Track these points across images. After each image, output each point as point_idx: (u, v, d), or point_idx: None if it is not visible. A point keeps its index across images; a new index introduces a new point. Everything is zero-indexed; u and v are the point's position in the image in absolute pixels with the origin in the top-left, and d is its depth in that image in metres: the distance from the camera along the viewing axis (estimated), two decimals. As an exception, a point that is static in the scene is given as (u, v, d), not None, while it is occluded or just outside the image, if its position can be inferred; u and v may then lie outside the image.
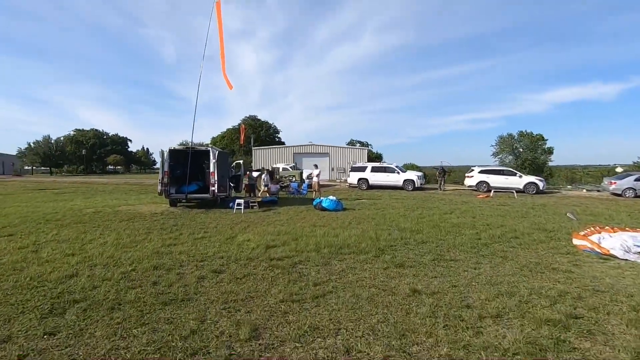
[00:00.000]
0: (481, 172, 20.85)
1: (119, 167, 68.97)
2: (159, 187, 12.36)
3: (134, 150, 74.40)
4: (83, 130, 64.20)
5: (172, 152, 12.78)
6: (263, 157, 37.12)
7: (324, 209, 11.79)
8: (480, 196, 17.82)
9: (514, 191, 17.84)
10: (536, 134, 43.38)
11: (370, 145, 65.03)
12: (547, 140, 43.05)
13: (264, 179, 17.34)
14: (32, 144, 54.81)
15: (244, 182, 16.35)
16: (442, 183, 21.64)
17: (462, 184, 23.56)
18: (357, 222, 9.44)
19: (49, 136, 56.58)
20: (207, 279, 4.81)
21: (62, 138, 59.31)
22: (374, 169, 22.49)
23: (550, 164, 42.81)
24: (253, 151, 38.40)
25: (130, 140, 71.85)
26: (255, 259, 5.77)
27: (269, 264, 5.46)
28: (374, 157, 55.28)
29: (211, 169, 12.43)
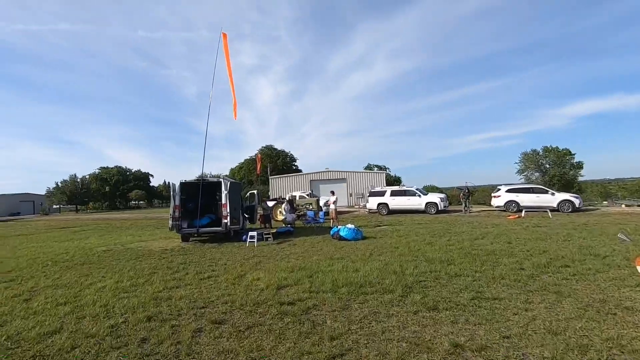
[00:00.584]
0: (509, 190, 19.57)
1: (141, 202, 70.43)
2: (170, 222, 11.93)
3: (156, 185, 76.00)
4: (107, 167, 66.42)
5: (183, 185, 12.44)
6: (280, 186, 36.82)
7: (342, 239, 10.97)
8: (511, 217, 16.55)
9: (548, 210, 16.48)
10: (562, 149, 41.47)
11: (388, 168, 64.13)
12: (574, 154, 41.03)
13: (283, 209, 16.77)
14: (59, 184, 56.85)
15: (258, 212, 15.81)
16: (468, 204, 20.42)
17: (488, 204, 22.22)
18: (378, 253, 8.57)
19: (75, 175, 58.70)
20: (204, 332, 4.09)
21: (87, 176, 61.41)
22: (393, 193, 21.58)
23: (580, 179, 40.56)
24: (270, 180, 38.25)
25: (152, 176, 73.56)
26: (263, 304, 5.02)
27: (278, 310, 4.69)
28: (393, 180, 54.20)
29: (223, 201, 11.96)
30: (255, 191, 15.93)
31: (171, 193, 12.08)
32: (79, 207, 59.27)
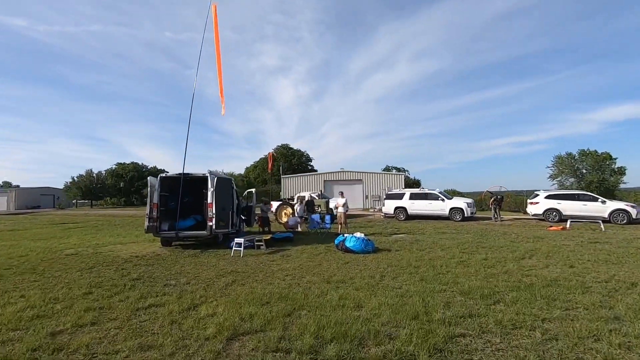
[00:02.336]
0: (550, 197, 16.88)
1: (156, 198, 70.30)
2: (146, 223, 10.13)
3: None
4: (124, 163, 66.53)
5: (165, 180, 10.64)
6: (292, 186, 34.96)
7: (347, 251, 8.85)
8: (553, 228, 13.95)
9: (601, 221, 13.78)
10: (602, 153, 37.70)
11: (407, 171, 61.34)
12: (616, 159, 37.18)
13: (297, 210, 14.83)
14: (75, 178, 57.09)
15: (257, 214, 13.88)
16: (498, 212, 17.83)
17: (522, 211, 19.55)
18: (392, 276, 6.41)
19: (91, 170, 58.81)
20: None
21: (103, 172, 61.52)
22: (413, 196, 19.24)
23: (622, 186, 36.69)
24: (282, 179, 36.47)
25: (167, 172, 73.34)
26: (193, 372, 3.00)
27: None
28: (412, 183, 51.38)
29: (208, 200, 10.06)
30: (253, 190, 14.01)
31: (149, 189, 10.28)
32: (94, 202, 59.38)
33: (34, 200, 60.17)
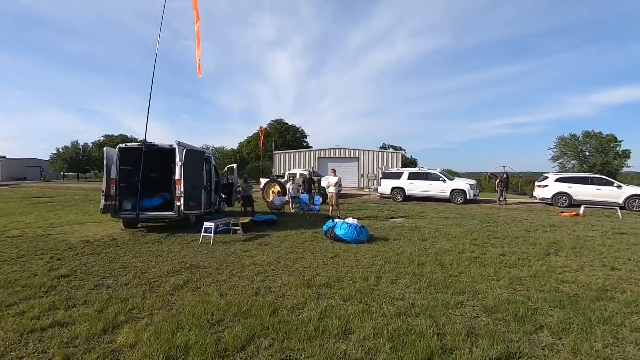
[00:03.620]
0: (559, 180, 15.55)
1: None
2: (102, 202, 8.62)
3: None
4: (112, 135, 64.14)
5: (125, 152, 9.05)
6: (285, 162, 33.38)
7: (337, 239, 7.48)
8: (564, 214, 12.70)
9: (618, 208, 12.53)
10: (606, 135, 36.38)
11: (404, 150, 59.81)
12: (621, 141, 35.93)
13: (290, 189, 13.37)
14: (60, 150, 54.88)
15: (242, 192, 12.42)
16: (504, 194, 16.53)
17: (529, 195, 18.33)
18: (391, 277, 5.04)
19: (76, 141, 56.48)
20: None
21: (90, 143, 59.20)
22: (412, 176, 17.83)
23: (625, 169, 35.65)
24: (274, 155, 34.84)
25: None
26: None
27: None
28: (408, 162, 50.01)
29: (176, 176, 8.55)
30: (234, 165, 12.48)
31: (105, 162, 8.71)
32: (81, 175, 57.48)
33: (20, 171, 58.03)
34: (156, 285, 4.69)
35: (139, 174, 9.07)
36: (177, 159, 8.55)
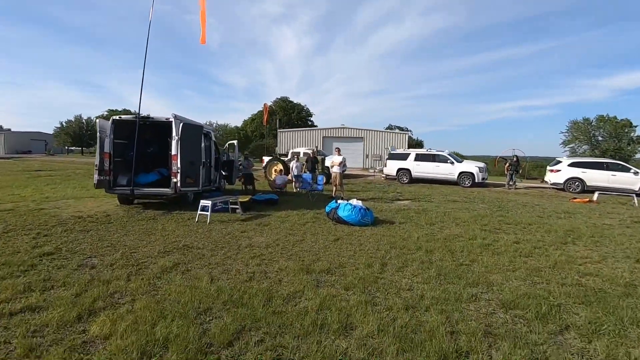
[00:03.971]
0: (573, 164, 14.93)
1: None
2: (95, 177, 8.27)
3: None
4: (116, 110, 63.54)
5: (120, 125, 8.61)
6: (290, 141, 32.83)
7: (339, 221, 7.10)
8: (577, 200, 12.21)
9: (634, 195, 11.99)
10: (621, 120, 35.13)
11: (410, 131, 58.77)
12: (635, 127, 34.71)
13: (293, 168, 12.97)
14: (64, 124, 54.58)
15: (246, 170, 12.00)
16: (514, 178, 15.99)
17: (540, 179, 17.77)
18: (398, 264, 4.66)
19: (80, 115, 56.05)
20: None
21: (93, 118, 58.77)
22: (419, 157, 17.29)
23: (638, 156, 34.59)
24: (278, 133, 34.23)
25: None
26: None
27: None
28: (414, 144, 49.20)
29: (173, 151, 8.13)
30: (235, 142, 12.01)
31: (98, 135, 8.29)
32: (84, 149, 57.38)
33: (25, 145, 58.00)
34: (144, 266, 4.36)
35: (137, 148, 8.67)
36: (174, 133, 8.11)
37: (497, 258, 4.99)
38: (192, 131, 8.54)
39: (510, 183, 15.80)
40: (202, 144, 9.27)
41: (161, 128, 9.13)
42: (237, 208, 8.10)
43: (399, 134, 34.06)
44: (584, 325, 3.03)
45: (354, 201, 7.48)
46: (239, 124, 64.46)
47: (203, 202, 7.32)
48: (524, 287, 3.92)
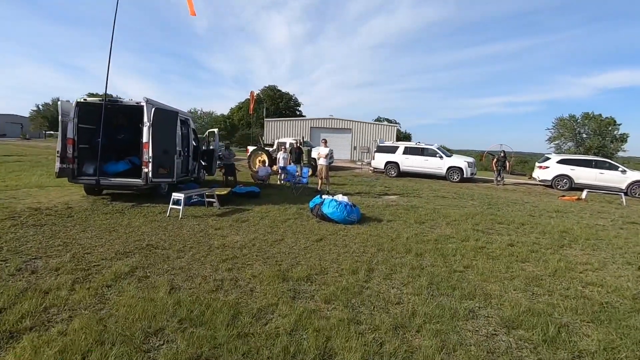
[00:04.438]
0: (562, 161, 14.79)
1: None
2: (57, 165, 7.53)
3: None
4: (96, 94, 61.16)
5: (85, 108, 7.85)
6: (277, 130, 32.03)
7: (324, 218, 6.61)
8: (565, 198, 12.05)
9: (622, 194, 11.88)
10: (606, 117, 35.59)
11: (399, 123, 58.47)
12: (619, 125, 35.24)
13: (280, 159, 12.39)
14: (40, 107, 52.21)
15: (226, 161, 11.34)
16: (502, 174, 15.79)
17: (527, 176, 17.68)
18: (385, 270, 4.20)
19: (58, 99, 53.58)
20: None
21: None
22: (407, 151, 16.90)
23: (621, 154, 35.18)
24: (265, 123, 33.38)
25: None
26: None
27: None
28: (402, 137, 48.99)
29: (144, 138, 7.44)
30: (215, 130, 11.32)
31: (60, 118, 7.54)
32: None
33: (-1, 128, 55.35)
34: (95, 271, 3.77)
35: (104, 134, 7.96)
36: (145, 119, 7.41)
37: (492, 263, 4.59)
38: (166, 117, 7.85)
39: (499, 179, 15.62)
40: (179, 132, 8.61)
41: (134, 113, 8.39)
42: (214, 201, 7.51)
43: (387, 127, 33.66)
44: (598, 352, 2.63)
45: (339, 197, 6.98)
46: (226, 112, 63.01)
47: (175, 195, 6.71)
48: (525, 300, 3.52)
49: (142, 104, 7.50)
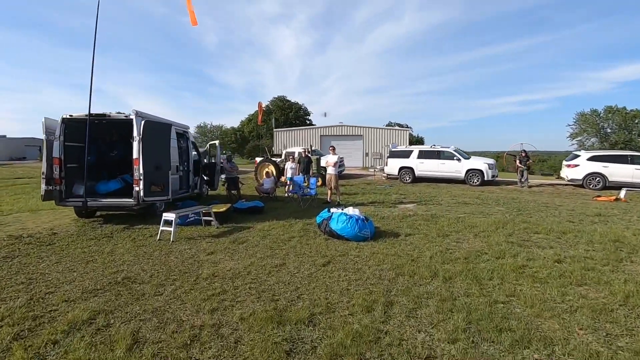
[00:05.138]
0: (593, 158, 13.58)
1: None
2: (42, 187, 6.98)
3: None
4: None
5: (71, 125, 7.31)
6: (286, 140, 31.54)
7: (332, 235, 5.81)
8: (601, 198, 10.88)
9: (667, 192, 10.66)
10: (631, 110, 33.74)
11: (411, 128, 57.33)
12: (646, 117, 33.27)
13: (287, 171, 11.76)
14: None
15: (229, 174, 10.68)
16: (526, 174, 14.62)
17: (555, 175, 16.46)
18: (408, 306, 3.35)
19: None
20: None
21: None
22: (422, 154, 15.95)
23: (649, 147, 33.11)
24: (274, 133, 32.95)
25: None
26: None
27: None
28: (415, 140, 47.76)
29: (134, 154, 6.84)
30: (216, 142, 10.71)
31: (44, 137, 7.02)
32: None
33: (20, 151, 56.77)
34: (48, 320, 3.06)
35: (95, 152, 7.45)
36: (135, 133, 6.82)
37: (541, 289, 3.68)
38: (158, 130, 7.25)
39: (522, 180, 14.47)
40: (175, 145, 8.03)
41: (125, 128, 7.84)
42: (212, 219, 6.81)
43: (399, 131, 32.72)
44: None
45: (349, 210, 6.17)
46: (237, 125, 63.16)
47: (166, 216, 6.02)
48: (600, 346, 2.61)
49: (131, 117, 6.92)
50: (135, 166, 6.83)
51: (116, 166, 8.45)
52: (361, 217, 5.94)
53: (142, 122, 6.81)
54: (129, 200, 6.97)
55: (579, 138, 35.41)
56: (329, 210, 6.40)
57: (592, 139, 34.87)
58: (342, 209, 6.20)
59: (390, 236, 5.95)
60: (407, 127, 57.64)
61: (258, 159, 16.79)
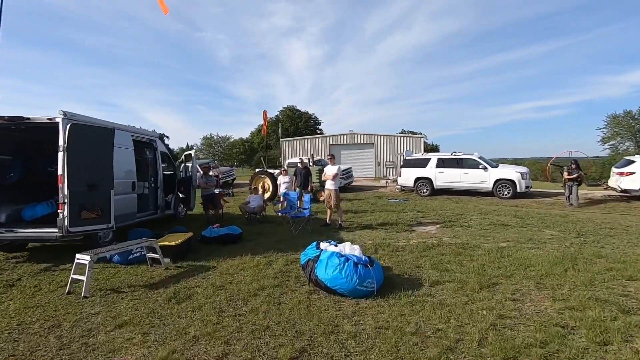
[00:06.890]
0: (654, 164, 11.19)
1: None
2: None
3: (173, 147, 71.98)
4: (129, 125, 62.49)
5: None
6: (294, 150, 29.81)
7: (320, 287, 3.84)
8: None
9: None
10: (670, 110, 30.66)
11: (425, 135, 54.96)
12: (688, 118, 30.17)
13: (282, 185, 10.04)
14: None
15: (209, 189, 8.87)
16: (574, 190, 11.64)
17: (602, 185, 14.03)
18: None
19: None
20: None
21: None
22: (441, 163, 13.83)
23: (694, 151, 29.91)
24: (281, 143, 31.30)
25: (167, 137, 69.27)
26: None
27: None
28: (430, 148, 45.36)
29: (59, 170, 5.08)
30: (192, 152, 8.91)
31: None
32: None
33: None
34: None
35: (20, 167, 5.77)
36: (60, 141, 5.08)
37: None
38: (92, 136, 5.47)
39: (570, 197, 11.49)
40: (130, 157, 6.32)
41: (55, 135, 6.13)
42: (157, 257, 4.95)
43: (413, 139, 30.56)
44: None
45: (347, 247, 4.20)
46: (239, 135, 62.29)
47: (79, 257, 4.18)
48: None
49: (57, 119, 5.19)
50: (59, 185, 5.07)
51: (51, 186, 6.74)
52: (363, 258, 3.97)
53: (69, 126, 5.06)
54: (53, 231, 5.18)
55: (611, 142, 32.46)
56: (318, 245, 4.45)
57: (627, 143, 31.86)
58: (336, 246, 4.23)
59: (406, 286, 3.94)
60: (421, 134, 55.33)
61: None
